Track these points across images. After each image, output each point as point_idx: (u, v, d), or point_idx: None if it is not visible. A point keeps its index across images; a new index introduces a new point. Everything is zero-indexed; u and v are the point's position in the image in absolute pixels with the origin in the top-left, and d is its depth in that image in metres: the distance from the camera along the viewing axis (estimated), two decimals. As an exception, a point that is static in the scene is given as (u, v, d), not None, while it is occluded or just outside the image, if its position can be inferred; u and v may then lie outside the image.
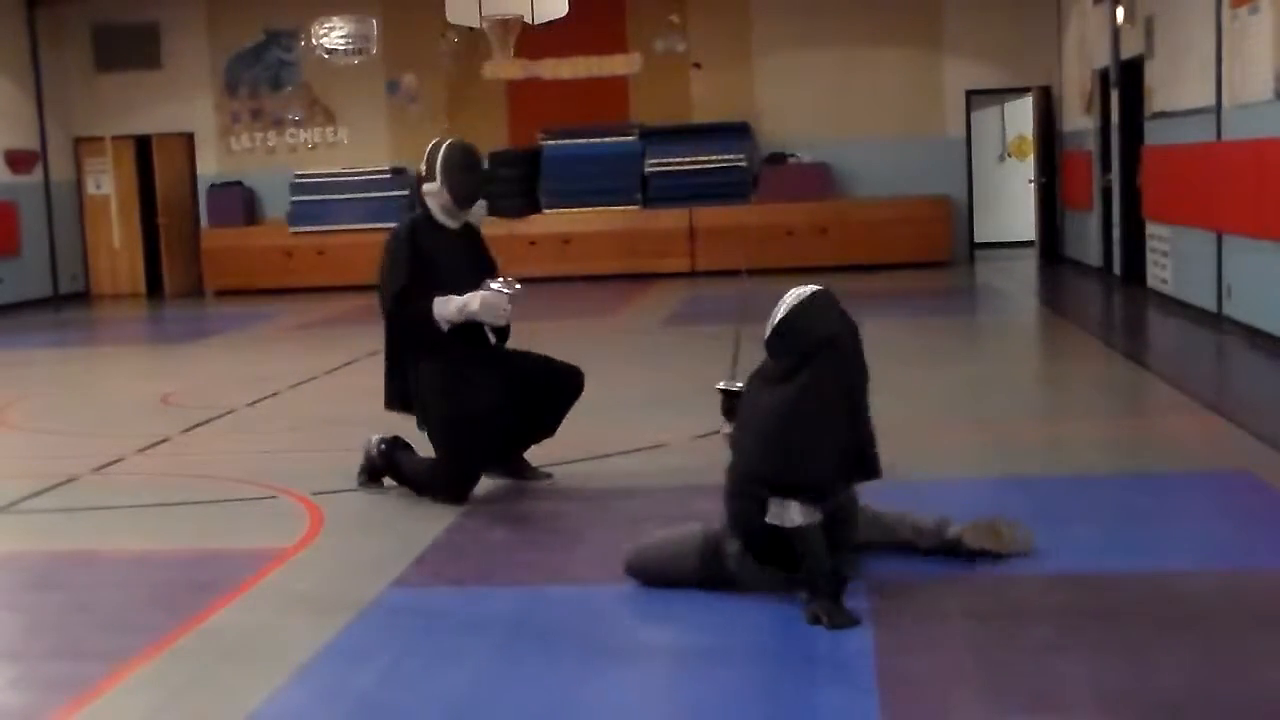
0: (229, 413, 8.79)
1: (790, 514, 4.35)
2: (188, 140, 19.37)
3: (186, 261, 19.30)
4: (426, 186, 6.24)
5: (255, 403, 9.14)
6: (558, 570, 5.08)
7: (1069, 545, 5.07)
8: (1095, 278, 15.49)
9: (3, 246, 17.61)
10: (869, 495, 4.90)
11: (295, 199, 18.48)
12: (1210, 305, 11.22)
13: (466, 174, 6.22)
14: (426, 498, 6.07)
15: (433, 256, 6.12)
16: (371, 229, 16.13)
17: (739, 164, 17.77)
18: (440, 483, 6.04)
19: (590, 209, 17.92)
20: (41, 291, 18.39)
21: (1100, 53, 15.29)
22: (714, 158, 17.82)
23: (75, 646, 4.48)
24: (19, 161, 18.15)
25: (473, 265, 6.25)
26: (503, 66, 15.88)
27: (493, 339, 6.22)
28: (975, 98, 18.68)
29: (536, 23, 13.81)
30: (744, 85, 18.41)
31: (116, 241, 19.36)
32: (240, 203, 18.95)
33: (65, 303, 18.50)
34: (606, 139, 18.06)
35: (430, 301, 6.03)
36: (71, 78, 19.10)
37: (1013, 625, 4.27)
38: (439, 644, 4.33)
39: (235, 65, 19.19)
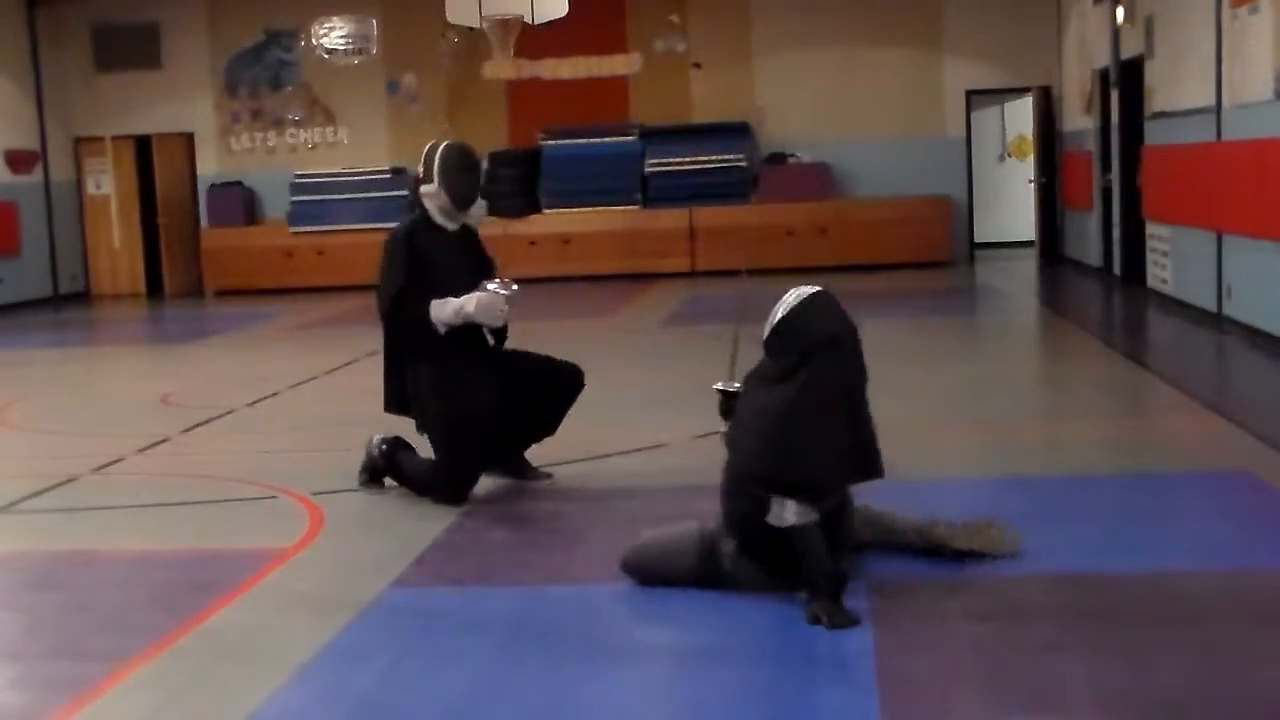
0: (229, 413, 8.79)
1: (788, 513, 4.35)
2: (188, 140, 19.38)
3: (186, 261, 19.30)
4: (424, 188, 6.23)
5: (255, 403, 9.14)
6: (558, 570, 5.08)
7: (1069, 545, 5.07)
8: (1095, 278, 15.49)
9: (3, 246, 17.61)
10: (868, 495, 4.90)
11: (295, 199, 18.49)
12: (1210, 305, 11.22)
13: (464, 175, 6.21)
14: (426, 498, 6.07)
15: (430, 258, 6.11)
16: (371, 229, 16.13)
17: (739, 164, 17.77)
18: (439, 484, 6.04)
19: (590, 209, 17.92)
20: (41, 291, 18.40)
21: (1100, 53, 15.29)
22: (714, 158, 17.82)
23: (75, 646, 4.48)
24: (19, 161, 18.16)
25: (471, 266, 6.25)
26: (503, 66, 15.89)
27: (491, 340, 6.22)
28: (975, 98, 18.69)
29: (536, 23, 13.81)
30: (744, 85, 18.41)
31: (116, 241, 19.36)
32: (240, 203, 18.96)
33: (65, 303, 18.50)
34: (606, 139, 18.07)
35: (427, 304, 6.03)
36: (71, 78, 19.10)
37: (1013, 625, 4.27)
38: (439, 644, 4.33)
39: (235, 65, 19.19)
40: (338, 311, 15.17)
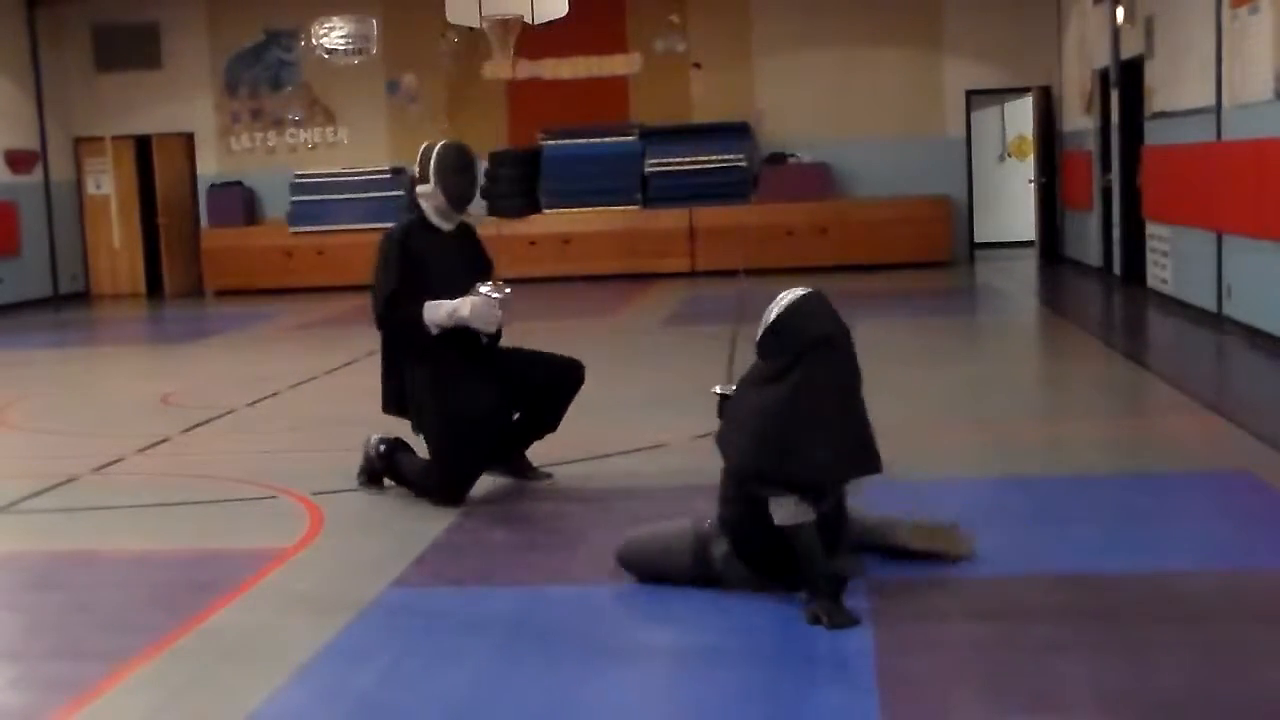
0: (229, 413, 8.79)
1: (784, 513, 4.35)
2: (188, 140, 19.38)
3: (186, 261, 19.30)
4: (420, 188, 6.20)
5: (255, 403, 9.14)
6: (558, 570, 5.08)
7: (1069, 545, 5.07)
8: (1095, 278, 15.50)
9: (3, 246, 17.61)
10: (867, 493, 4.90)
11: (295, 199, 18.49)
12: (1210, 305, 11.22)
13: (461, 175, 6.18)
14: (425, 499, 6.06)
15: (425, 259, 6.09)
16: (371, 229, 16.10)
17: (739, 164, 17.77)
18: (437, 484, 6.03)
19: (590, 209, 17.92)
20: (41, 291, 18.40)
21: (1100, 53, 15.29)
22: (714, 158, 17.81)
23: (75, 646, 4.48)
24: (19, 161, 18.16)
25: (467, 266, 6.21)
26: (503, 66, 15.88)
27: (485, 338, 6.20)
28: (975, 98, 18.69)
29: (536, 23, 13.80)
30: (744, 85, 18.41)
31: (116, 241, 19.36)
32: (240, 203, 18.96)
33: (65, 303, 18.50)
34: (606, 139, 18.06)
35: (420, 306, 6.00)
36: (71, 78, 19.11)
37: (1013, 625, 4.27)
38: (439, 644, 4.33)
39: (235, 65, 19.19)
40: (338, 311, 15.17)
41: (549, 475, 6.43)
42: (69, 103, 19.13)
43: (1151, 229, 13.38)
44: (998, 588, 4.62)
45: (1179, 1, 12.10)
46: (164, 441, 7.89)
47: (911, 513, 5.04)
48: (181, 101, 19.15)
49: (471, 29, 14.54)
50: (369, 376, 6.36)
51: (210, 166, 19.35)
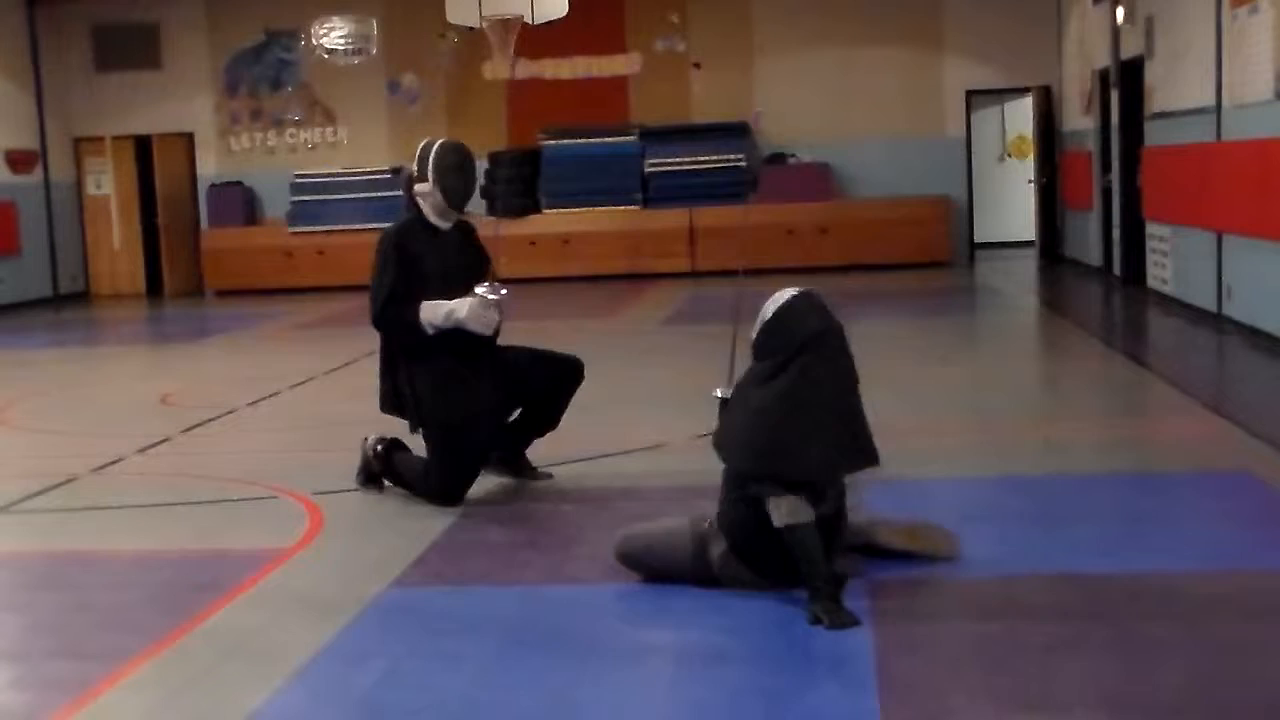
0: (229, 413, 8.79)
1: (782, 513, 4.36)
2: (188, 140, 19.38)
3: (186, 261, 19.30)
4: (418, 187, 6.18)
5: (255, 403, 9.14)
6: (558, 570, 5.08)
7: (1069, 545, 5.07)
8: (1095, 278, 15.50)
9: (3, 246, 17.62)
10: (866, 491, 4.90)
11: (295, 199, 18.49)
12: (1210, 305, 11.22)
13: (459, 174, 6.14)
14: (423, 499, 6.06)
15: (423, 259, 6.07)
16: (371, 229, 16.10)
17: (739, 164, 17.76)
18: (435, 484, 6.02)
19: (590, 209, 17.92)
20: (41, 291, 18.40)
21: (1100, 53, 15.29)
22: (714, 158, 17.82)
23: (75, 646, 4.47)
24: (19, 161, 18.16)
25: (466, 265, 6.19)
26: (503, 66, 15.88)
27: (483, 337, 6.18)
28: (975, 98, 18.69)
29: (536, 23, 13.81)
30: (744, 85, 18.41)
31: (116, 242, 19.36)
32: (240, 203, 18.96)
33: (65, 303, 18.50)
34: (606, 139, 18.06)
35: (417, 306, 5.99)
36: (71, 78, 19.11)
37: (1013, 625, 4.27)
38: (439, 644, 4.33)
39: (235, 65, 19.19)
40: (338, 311, 15.16)
41: (549, 475, 6.43)
42: (69, 103, 19.13)
43: (1151, 229, 13.39)
44: (998, 588, 4.62)
45: (1179, 1, 12.10)
46: (164, 441, 7.89)
47: (895, 512, 5.05)
48: (181, 101, 19.15)
49: (471, 29, 14.56)
50: (369, 376, 6.36)
51: (210, 166, 19.35)
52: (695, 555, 4.65)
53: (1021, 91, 19.13)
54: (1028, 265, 17.92)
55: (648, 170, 17.94)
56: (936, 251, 17.57)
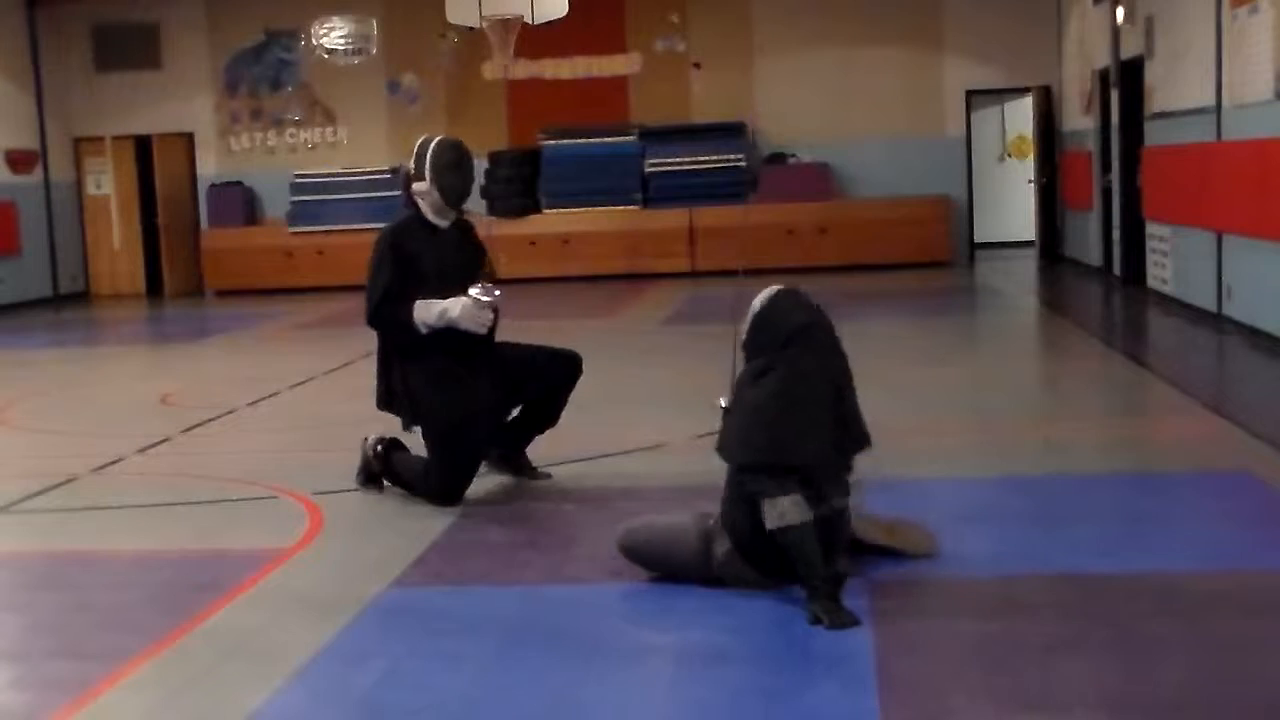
0: (229, 413, 8.79)
1: (775, 515, 4.36)
2: (188, 140, 19.38)
3: (186, 261, 19.30)
4: (416, 186, 6.17)
5: (255, 403, 9.14)
6: (557, 570, 5.08)
7: (1069, 545, 5.07)
8: (1095, 278, 15.50)
9: (3, 246, 17.62)
10: (867, 495, 4.90)
11: (295, 199, 18.49)
12: (1210, 305, 11.22)
13: (457, 172, 6.12)
14: (422, 499, 6.06)
15: (420, 257, 6.06)
16: (371, 229, 16.07)
17: (738, 164, 17.77)
18: (434, 484, 6.02)
19: (590, 209, 17.92)
20: (41, 291, 18.40)
21: (1100, 53, 15.30)
22: (714, 158, 17.82)
23: (75, 646, 4.47)
24: (19, 161, 18.16)
25: (464, 263, 6.17)
26: (503, 66, 15.88)
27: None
28: (975, 98, 18.69)
29: (536, 23, 13.81)
30: (744, 85, 18.41)
31: (116, 242, 19.36)
32: (240, 203, 18.96)
33: (65, 303, 18.50)
34: (606, 139, 18.06)
35: (411, 306, 5.98)
36: (71, 78, 19.11)
37: (1013, 625, 4.27)
38: (439, 644, 4.33)
39: (235, 65, 19.19)
40: (338, 311, 15.16)
41: (548, 475, 6.43)
42: (69, 103, 19.13)
43: (1151, 229, 13.39)
44: (998, 588, 4.62)
45: (1179, 1, 12.10)
46: (164, 441, 7.89)
47: (895, 512, 5.05)
48: (181, 101, 19.15)
49: (471, 29, 14.57)
50: (368, 377, 6.36)
51: (210, 166, 19.35)
52: (700, 553, 4.66)
53: (1021, 91, 19.13)
54: (1028, 265, 17.92)
55: (648, 170, 17.94)
56: (936, 251, 17.57)
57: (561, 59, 17.89)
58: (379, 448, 6.25)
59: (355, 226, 17.53)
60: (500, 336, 6.31)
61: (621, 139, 18.07)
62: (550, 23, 13.96)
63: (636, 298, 15.59)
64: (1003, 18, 17.91)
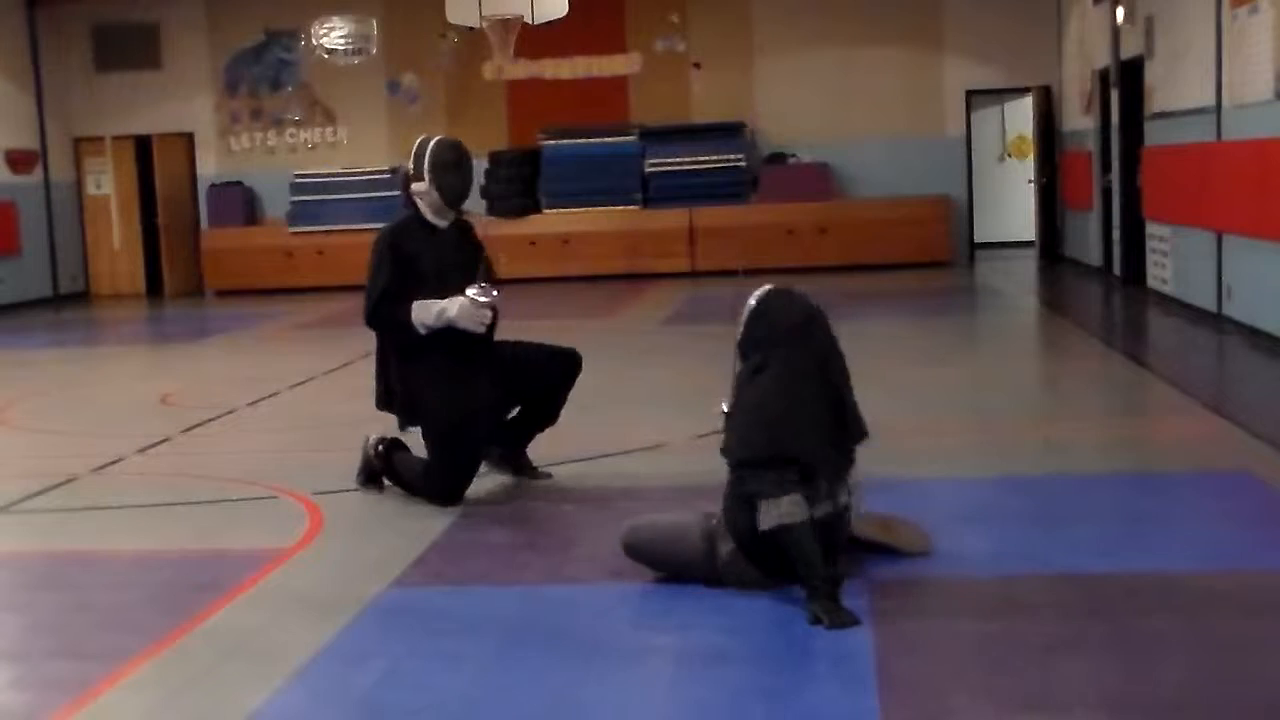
0: (229, 413, 8.79)
1: (779, 511, 4.36)
2: (188, 140, 19.38)
3: (186, 261, 19.30)
4: (415, 186, 6.16)
5: (255, 403, 9.14)
6: (557, 570, 5.08)
7: (1069, 545, 5.07)
8: (1095, 278, 15.50)
9: (3, 246, 17.62)
10: (867, 495, 4.90)
11: (295, 199, 18.49)
12: (1210, 305, 11.22)
13: (455, 172, 6.11)
14: (422, 499, 6.06)
15: (419, 257, 6.05)
16: (371, 229, 16.08)
17: (739, 164, 17.78)
18: (435, 483, 6.02)
19: (590, 209, 17.93)
20: (41, 291, 18.40)
21: (1100, 53, 15.30)
22: (714, 158, 17.82)
23: (75, 646, 4.47)
24: (19, 161, 18.16)
25: (463, 263, 6.16)
26: (502, 66, 15.88)
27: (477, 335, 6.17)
28: (975, 98, 18.69)
29: (536, 23, 13.82)
30: (744, 85, 18.41)
31: (116, 242, 19.36)
32: (240, 203, 18.96)
33: (65, 303, 18.50)
34: (606, 139, 18.06)
35: (409, 307, 5.98)
36: (71, 78, 19.11)
37: (1013, 625, 4.27)
38: (439, 644, 4.33)
39: (235, 65, 19.19)
40: (338, 311, 15.15)
41: (549, 475, 6.43)
42: (69, 103, 19.13)
43: (1151, 229, 13.39)
44: (998, 588, 4.62)
45: (1179, 1, 12.10)
46: (164, 441, 7.89)
47: (872, 507, 5.05)
48: (181, 101, 19.15)
49: (471, 29, 14.57)
50: (368, 377, 6.36)
51: (210, 166, 19.35)
52: (704, 552, 4.67)
53: (1021, 91, 19.12)
54: (1028, 265, 17.92)
55: (648, 170, 17.94)
56: (936, 251, 17.57)
57: (561, 59, 17.89)
58: (380, 447, 6.25)
59: (355, 226, 17.52)
60: (500, 336, 6.31)
61: (621, 139, 18.07)
62: (550, 23, 13.96)
63: (636, 298, 15.59)
64: (1003, 18, 17.91)
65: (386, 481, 6.28)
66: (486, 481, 6.28)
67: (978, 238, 18.84)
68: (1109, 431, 7.47)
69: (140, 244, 19.37)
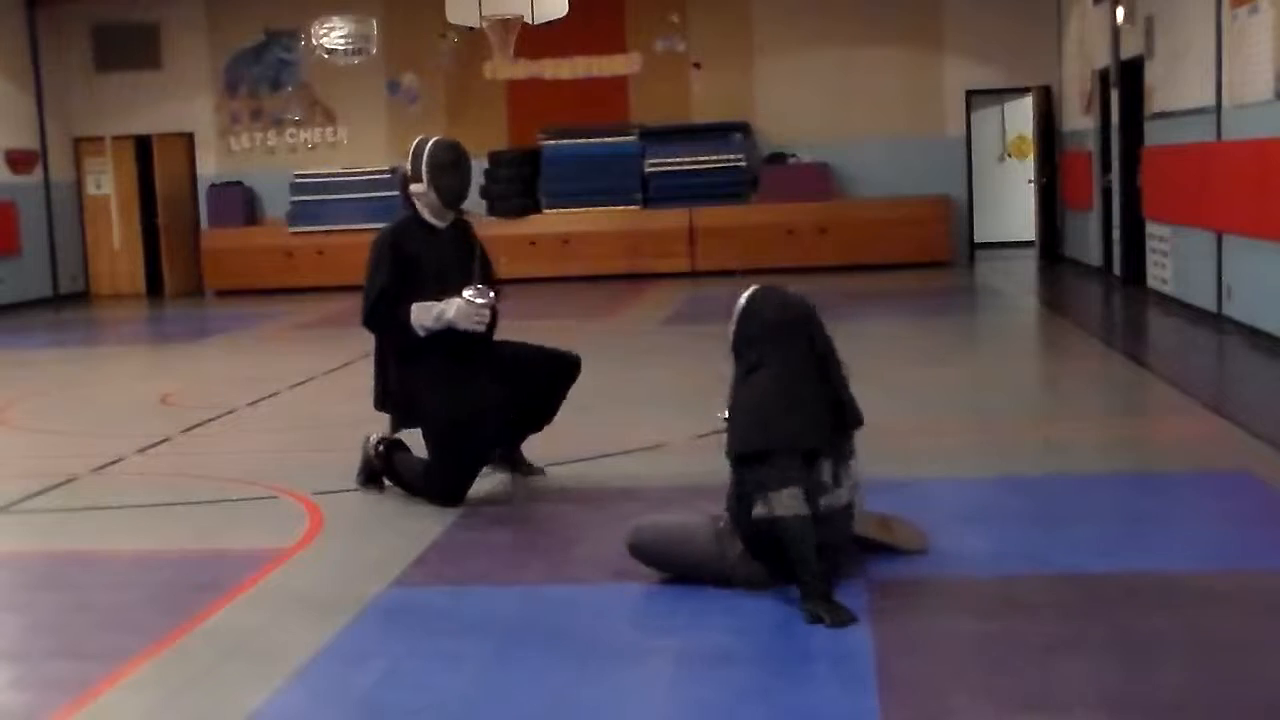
0: (229, 413, 8.79)
1: (776, 502, 4.36)
2: (188, 140, 19.38)
3: (186, 261, 19.30)
4: (414, 187, 6.16)
5: (255, 403, 9.14)
6: (557, 570, 5.08)
7: (1069, 545, 5.07)
8: (1095, 278, 15.50)
9: (3, 246, 17.62)
10: (867, 494, 4.90)
11: (295, 199, 18.49)
12: (1210, 305, 11.22)
13: (453, 173, 6.11)
14: (422, 499, 6.06)
15: (418, 258, 6.05)
16: (371, 229, 16.07)
17: (739, 164, 17.78)
18: (435, 484, 6.02)
19: (590, 209, 17.93)
20: (41, 291, 18.40)
21: (1100, 53, 15.30)
22: (714, 158, 17.82)
23: (75, 646, 4.47)
24: (19, 161, 18.16)
25: (462, 264, 6.16)
26: (503, 66, 15.88)
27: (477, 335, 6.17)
28: (975, 98, 18.69)
29: (536, 23, 13.82)
30: (744, 85, 18.41)
31: (116, 242, 19.37)
32: (240, 203, 18.96)
33: (65, 303, 18.50)
34: (606, 139, 18.06)
35: (408, 308, 5.97)
36: (71, 78, 19.11)
37: (1013, 625, 4.27)
38: (439, 644, 4.33)
39: (235, 65, 19.19)
40: (337, 311, 15.14)
41: (541, 471, 6.43)
42: (69, 103, 19.13)
43: (1151, 229, 13.39)
44: (998, 588, 4.62)
45: (1179, 1, 12.10)
46: (164, 441, 7.89)
47: (872, 507, 5.06)
48: (181, 101, 19.15)
49: (471, 29, 14.57)
50: (369, 377, 6.36)
51: (210, 166, 19.35)
52: (712, 553, 4.66)
53: (1021, 91, 19.12)
54: (1028, 265, 17.92)
55: (647, 170, 17.95)
56: (936, 251, 17.57)
57: (561, 59, 17.89)
58: (380, 447, 6.24)
59: (355, 226, 17.52)
60: (500, 337, 6.31)
61: (621, 139, 18.07)
62: (550, 23, 13.97)
63: (636, 298, 15.59)
64: (1003, 18, 17.91)
65: (387, 481, 6.28)
66: (487, 482, 6.28)
67: (978, 238, 18.84)
68: (1109, 431, 7.47)
69: (140, 244, 19.37)
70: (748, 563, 4.60)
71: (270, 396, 9.37)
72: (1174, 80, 12.34)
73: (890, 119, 18.11)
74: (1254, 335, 10.07)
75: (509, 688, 3.93)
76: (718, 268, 17.01)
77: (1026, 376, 9.90)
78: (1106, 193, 15.20)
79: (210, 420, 8.54)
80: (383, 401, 6.24)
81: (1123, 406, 8.44)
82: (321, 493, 6.31)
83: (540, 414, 6.35)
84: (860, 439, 4.77)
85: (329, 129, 19.15)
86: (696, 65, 18.42)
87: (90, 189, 19.41)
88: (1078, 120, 16.88)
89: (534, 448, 6.48)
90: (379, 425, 6.46)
